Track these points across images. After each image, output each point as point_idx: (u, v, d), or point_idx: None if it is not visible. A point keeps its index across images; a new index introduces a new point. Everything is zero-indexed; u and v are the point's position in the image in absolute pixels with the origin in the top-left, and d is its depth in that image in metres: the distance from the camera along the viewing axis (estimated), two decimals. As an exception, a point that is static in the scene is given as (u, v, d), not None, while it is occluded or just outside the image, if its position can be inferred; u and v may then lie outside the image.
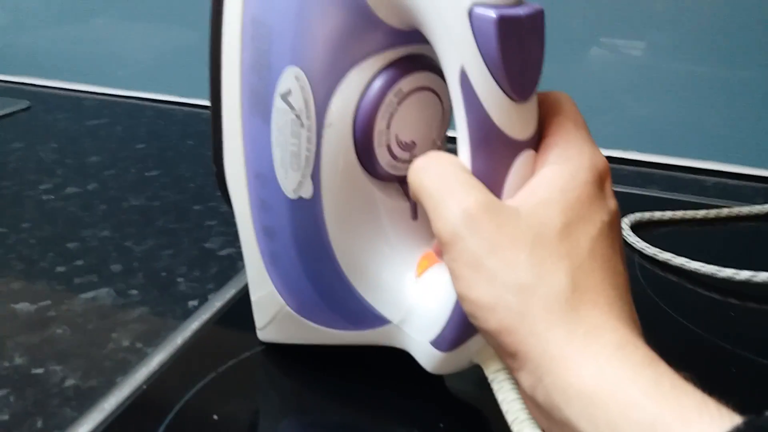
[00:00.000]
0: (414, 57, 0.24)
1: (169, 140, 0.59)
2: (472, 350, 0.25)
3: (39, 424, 0.27)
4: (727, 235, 0.43)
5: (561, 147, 0.22)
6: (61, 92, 0.74)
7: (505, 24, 0.19)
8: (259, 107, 0.24)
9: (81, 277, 0.38)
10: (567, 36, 0.53)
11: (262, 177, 0.25)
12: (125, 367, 0.30)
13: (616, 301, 0.20)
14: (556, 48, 0.54)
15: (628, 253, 0.39)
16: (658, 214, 0.43)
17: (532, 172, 0.22)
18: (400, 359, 0.28)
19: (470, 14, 0.19)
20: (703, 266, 0.37)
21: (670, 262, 0.38)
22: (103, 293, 0.36)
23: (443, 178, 0.21)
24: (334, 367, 0.30)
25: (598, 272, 0.20)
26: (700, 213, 0.43)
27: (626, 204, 0.45)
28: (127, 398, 0.28)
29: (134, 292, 0.36)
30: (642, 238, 0.40)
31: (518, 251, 0.19)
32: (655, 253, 0.39)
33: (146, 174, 0.52)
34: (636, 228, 0.42)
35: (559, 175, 0.21)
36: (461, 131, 0.22)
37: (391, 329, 0.27)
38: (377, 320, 0.27)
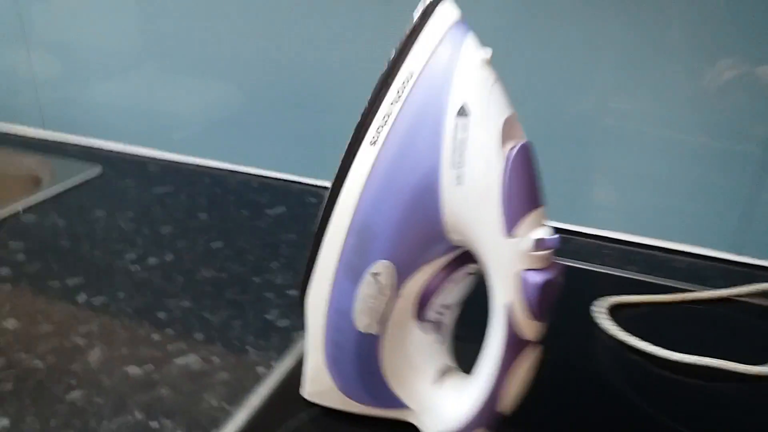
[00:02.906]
0: (464, 254, 0.35)
1: (227, 210, 0.71)
2: None
3: (162, 467, 0.38)
4: (685, 317, 0.53)
5: None
6: (127, 156, 0.85)
7: (545, 285, 0.31)
8: (352, 274, 0.35)
9: (172, 344, 0.49)
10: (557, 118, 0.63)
11: (343, 313, 0.36)
12: (217, 423, 0.41)
13: None
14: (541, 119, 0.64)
15: (596, 334, 0.49)
16: (628, 298, 0.53)
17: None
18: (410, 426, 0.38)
19: (522, 276, 0.31)
20: (658, 349, 0.47)
21: (633, 345, 0.48)
22: (192, 359, 0.47)
23: None
24: (366, 426, 0.40)
25: None
26: (665, 297, 0.53)
27: (601, 285, 0.56)
28: (223, 449, 0.39)
29: (215, 359, 0.47)
30: (615, 320, 0.50)
31: None
32: (621, 335, 0.49)
33: (212, 245, 0.63)
34: (612, 310, 0.52)
35: None
36: (496, 330, 0.33)
37: (411, 413, 0.39)
38: (402, 405, 0.39)
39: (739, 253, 0.61)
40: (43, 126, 0.92)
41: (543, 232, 0.31)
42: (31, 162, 0.83)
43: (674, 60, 0.57)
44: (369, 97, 0.33)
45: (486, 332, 0.35)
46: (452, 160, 0.31)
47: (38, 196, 0.72)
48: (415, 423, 0.40)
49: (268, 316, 0.52)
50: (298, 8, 0.70)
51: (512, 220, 0.31)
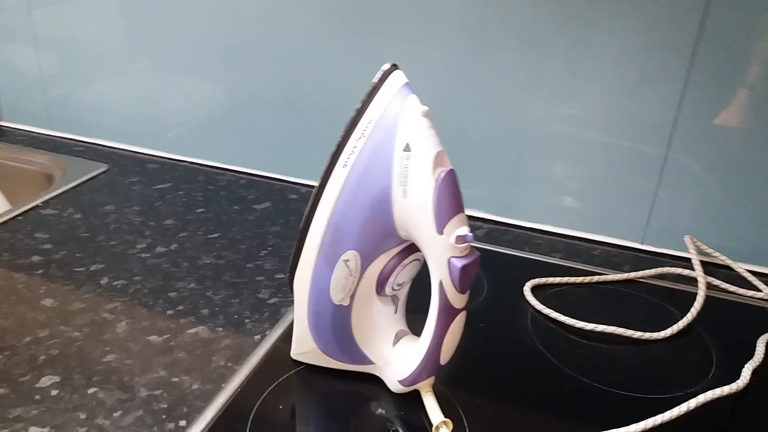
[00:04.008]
0: (411, 246, 0.47)
1: (220, 205, 0.82)
2: (416, 385, 0.48)
3: (184, 409, 0.50)
4: (596, 295, 0.66)
5: None
6: (128, 154, 0.96)
7: (465, 268, 0.43)
8: (329, 260, 0.47)
9: (185, 318, 0.60)
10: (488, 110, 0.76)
11: (322, 290, 0.48)
12: (225, 378, 0.53)
13: None
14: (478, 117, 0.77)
15: (524, 308, 0.62)
16: (551, 279, 0.66)
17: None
18: (377, 380, 0.51)
19: (449, 261, 0.43)
20: (570, 320, 0.60)
21: (551, 316, 0.61)
22: (201, 329, 0.59)
23: None
24: (341, 378, 0.53)
25: None
26: (580, 279, 0.66)
27: (531, 268, 0.68)
28: (231, 395, 0.51)
29: (219, 329, 0.59)
30: (537, 296, 0.63)
31: None
32: (542, 309, 0.62)
33: (210, 236, 0.74)
34: (534, 288, 0.65)
35: None
36: (434, 301, 0.46)
37: (375, 367, 0.51)
38: (368, 361, 0.51)
39: (644, 243, 0.74)
40: (50, 126, 1.02)
41: (463, 231, 0.43)
42: (42, 159, 0.93)
43: (595, 72, 0.69)
44: (342, 132, 0.45)
45: (429, 305, 0.47)
46: (399, 180, 0.43)
47: (54, 191, 0.83)
48: (379, 374, 0.52)
49: (261, 295, 0.64)
50: (290, 18, 0.81)
51: (441, 223, 0.43)
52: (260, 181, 0.89)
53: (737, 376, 0.53)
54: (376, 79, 0.43)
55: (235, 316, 0.61)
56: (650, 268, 0.69)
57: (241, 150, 0.91)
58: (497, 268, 0.69)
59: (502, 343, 0.58)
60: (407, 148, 0.43)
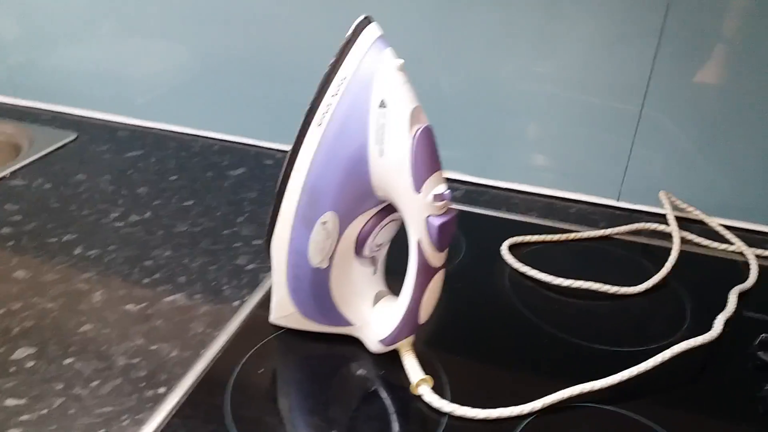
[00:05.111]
0: (388, 206, 0.47)
1: (194, 172, 0.80)
2: (396, 344, 0.49)
3: (164, 376, 0.49)
4: (573, 252, 0.67)
5: None
6: (97, 122, 0.93)
7: (442, 226, 0.42)
8: (306, 223, 0.46)
9: (161, 287, 0.60)
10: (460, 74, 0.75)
11: (300, 253, 0.47)
12: (204, 344, 0.53)
13: None
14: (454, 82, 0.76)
15: (502, 267, 0.63)
16: (528, 238, 0.66)
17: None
18: (357, 342, 0.51)
19: (427, 220, 0.43)
20: (547, 277, 0.60)
21: (528, 274, 0.61)
22: (179, 297, 0.58)
23: None
24: (320, 341, 0.53)
25: None
26: (557, 236, 0.67)
27: (509, 228, 0.69)
28: (210, 361, 0.51)
29: (198, 296, 0.58)
30: (514, 255, 0.63)
31: None
32: (519, 267, 0.62)
33: (184, 204, 0.73)
34: (511, 248, 0.65)
35: None
36: (412, 261, 0.45)
37: (355, 328, 0.51)
38: (348, 323, 0.51)
39: (620, 199, 0.75)
40: (14, 94, 0.98)
41: (441, 189, 0.43)
42: (7, 129, 0.90)
43: (570, 30, 0.69)
44: (315, 90, 0.44)
45: (407, 265, 0.47)
46: (376, 138, 0.42)
47: (22, 162, 0.81)
48: (359, 335, 0.52)
49: (238, 262, 0.63)
50: (251, -10, 0.78)
51: (419, 181, 0.42)
52: (234, 146, 0.88)
53: (710, 328, 0.54)
54: (349, 34, 0.42)
55: (213, 283, 0.60)
56: (626, 225, 0.70)
57: (214, 115, 0.89)
58: (475, 228, 0.69)
59: (481, 301, 0.59)
60: (383, 105, 0.42)
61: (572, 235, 0.68)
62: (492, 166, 0.78)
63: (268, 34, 0.80)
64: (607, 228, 0.69)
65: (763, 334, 0.53)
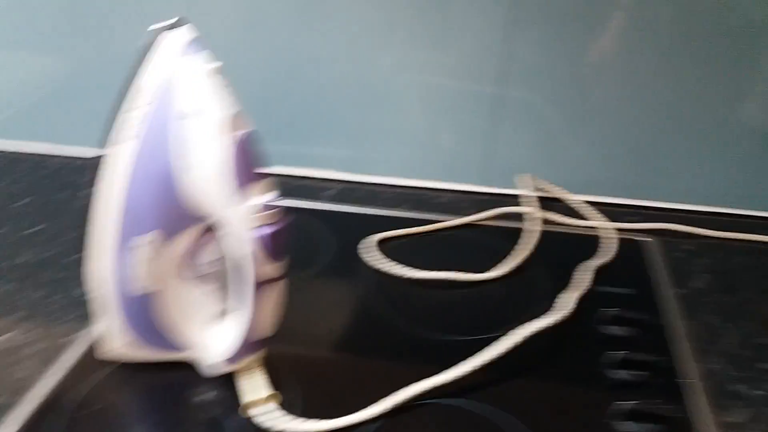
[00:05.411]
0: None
1: (47, 193, 0.75)
2: (239, 364, 0.47)
3: (-11, 425, 0.45)
4: (439, 243, 0.66)
5: None
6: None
7: (274, 235, 0.40)
8: (125, 248, 0.43)
9: (-4, 324, 0.55)
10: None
11: (125, 279, 0.44)
12: (32, 385, 0.49)
13: None
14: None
15: (362, 266, 0.61)
16: (392, 233, 0.65)
17: None
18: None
19: (256, 231, 0.40)
20: (403, 270, 0.59)
21: (384, 270, 0.60)
22: (12, 336, 0.54)
23: None
24: (162, 369, 0.50)
25: None
26: (422, 228, 0.66)
27: (378, 224, 0.68)
28: (39, 405, 0.47)
29: (32, 333, 0.54)
30: (382, 251, 0.62)
31: None
32: (376, 263, 0.61)
33: (34, 229, 0.68)
34: (380, 243, 0.64)
35: None
36: (246, 274, 0.43)
37: (191, 353, 0.49)
38: (183, 348, 0.49)
39: (490, 185, 0.75)
40: None
41: (267, 198, 0.41)
42: None
43: (418, 15, 0.68)
44: (112, 108, 0.41)
45: (228, 281, 0.45)
46: (179, 153, 0.40)
47: None
48: (198, 359, 0.49)
49: (76, 293, 0.59)
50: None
51: (238, 193, 0.40)
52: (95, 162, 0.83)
53: (567, 306, 0.55)
54: (150, 40, 0.40)
55: (52, 316, 0.56)
56: (490, 209, 0.70)
57: (73, 129, 0.83)
58: (344, 227, 0.68)
59: (343, 303, 0.57)
60: (182, 116, 0.39)
61: (437, 225, 0.67)
62: (362, 162, 0.77)
63: (124, 44, 0.76)
64: (472, 215, 0.69)
65: (601, 308, 0.53)
